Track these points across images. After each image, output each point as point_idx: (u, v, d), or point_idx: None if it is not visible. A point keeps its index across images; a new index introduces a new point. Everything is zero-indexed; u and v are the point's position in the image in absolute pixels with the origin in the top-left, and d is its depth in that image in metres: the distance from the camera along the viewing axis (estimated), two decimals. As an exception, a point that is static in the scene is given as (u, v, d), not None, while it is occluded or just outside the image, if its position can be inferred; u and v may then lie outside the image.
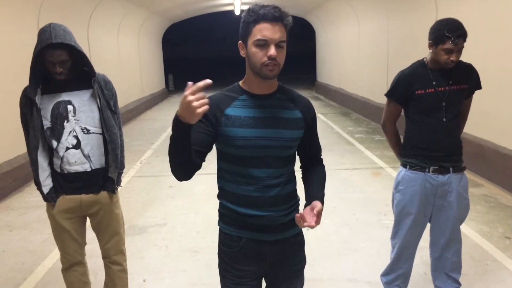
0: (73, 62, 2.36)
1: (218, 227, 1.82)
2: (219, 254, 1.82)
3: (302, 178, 1.88)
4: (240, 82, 1.72)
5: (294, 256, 1.83)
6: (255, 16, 1.54)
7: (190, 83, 1.34)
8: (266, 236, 1.73)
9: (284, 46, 1.58)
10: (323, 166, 1.89)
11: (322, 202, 1.70)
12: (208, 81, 1.34)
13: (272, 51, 1.54)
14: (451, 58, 2.40)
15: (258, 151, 1.65)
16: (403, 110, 2.66)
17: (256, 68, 1.58)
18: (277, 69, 1.58)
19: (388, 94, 2.67)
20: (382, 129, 2.81)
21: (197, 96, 1.33)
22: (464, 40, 2.39)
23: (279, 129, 1.66)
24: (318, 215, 1.61)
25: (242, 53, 1.63)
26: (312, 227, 1.57)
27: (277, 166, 1.69)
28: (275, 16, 1.53)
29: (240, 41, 1.63)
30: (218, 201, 1.80)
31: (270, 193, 1.68)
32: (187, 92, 1.32)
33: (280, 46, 1.56)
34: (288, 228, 1.76)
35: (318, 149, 1.89)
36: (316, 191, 1.76)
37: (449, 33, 2.34)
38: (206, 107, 1.34)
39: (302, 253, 1.88)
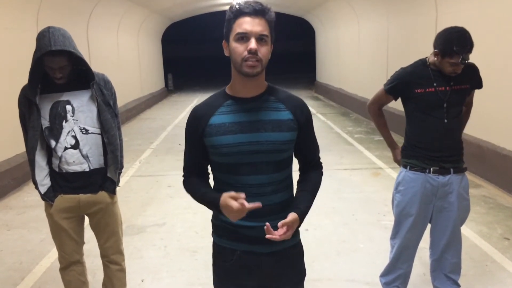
0: (72, 64, 2.35)
1: None
2: (213, 270, 1.76)
3: (297, 181, 1.78)
4: (227, 87, 1.66)
5: (293, 268, 1.73)
6: (235, 11, 1.51)
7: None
8: (261, 248, 1.64)
9: (267, 41, 1.51)
10: (320, 172, 1.78)
11: (302, 214, 1.60)
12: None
13: (253, 44, 1.47)
14: (456, 71, 2.41)
15: (246, 157, 1.58)
16: (403, 110, 2.66)
17: (237, 64, 1.51)
18: (259, 65, 1.50)
19: (386, 87, 2.67)
20: (367, 109, 2.84)
21: (239, 210, 1.48)
22: (471, 52, 2.38)
23: (267, 132, 1.58)
24: (287, 226, 1.52)
25: (226, 52, 1.58)
26: (275, 239, 1.50)
27: (269, 172, 1.61)
28: (255, 9, 1.49)
29: (224, 41, 1.58)
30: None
31: (263, 201, 1.54)
32: (237, 205, 1.47)
33: (262, 40, 1.50)
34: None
35: (315, 152, 1.77)
36: (299, 202, 1.64)
37: (458, 49, 2.32)
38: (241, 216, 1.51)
39: (302, 264, 1.78)
